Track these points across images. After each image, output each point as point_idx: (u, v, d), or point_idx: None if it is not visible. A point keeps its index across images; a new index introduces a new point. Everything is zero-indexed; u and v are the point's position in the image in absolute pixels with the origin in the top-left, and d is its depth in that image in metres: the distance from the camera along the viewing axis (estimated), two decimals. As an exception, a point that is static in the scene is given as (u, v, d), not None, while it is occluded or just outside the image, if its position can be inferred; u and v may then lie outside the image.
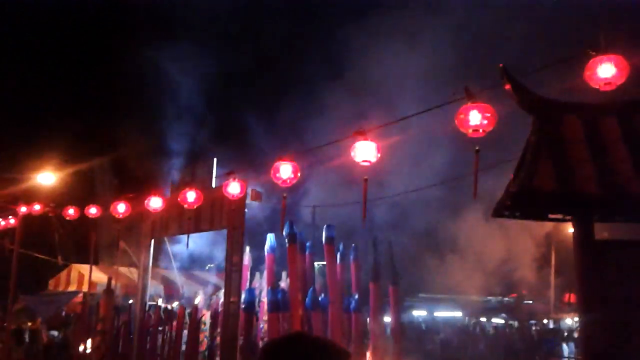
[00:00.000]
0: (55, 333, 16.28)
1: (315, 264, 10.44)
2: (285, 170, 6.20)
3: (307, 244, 9.67)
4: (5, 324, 10.70)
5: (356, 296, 8.94)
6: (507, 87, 4.30)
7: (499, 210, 4.16)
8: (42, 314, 16.57)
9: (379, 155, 5.54)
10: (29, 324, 15.97)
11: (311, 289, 8.93)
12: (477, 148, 4.86)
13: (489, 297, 23.12)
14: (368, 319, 9.34)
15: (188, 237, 9.50)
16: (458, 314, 25.26)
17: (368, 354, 8.76)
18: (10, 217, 9.65)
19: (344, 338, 8.50)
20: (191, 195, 7.52)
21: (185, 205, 7.62)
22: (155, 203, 7.71)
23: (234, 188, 7.41)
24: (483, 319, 22.85)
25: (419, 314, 26.89)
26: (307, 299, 8.78)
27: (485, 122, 4.84)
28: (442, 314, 26.06)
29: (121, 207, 7.89)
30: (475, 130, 4.87)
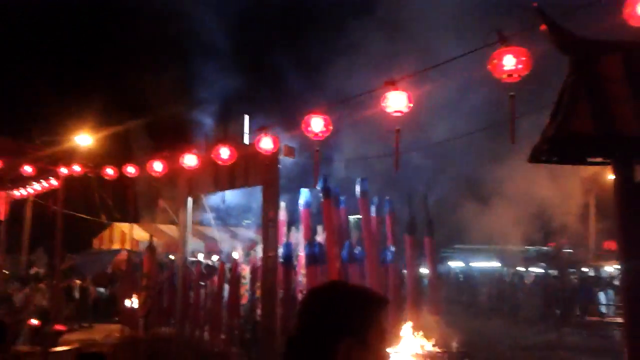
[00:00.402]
0: (102, 290, 16.94)
1: (350, 217, 10.49)
2: (316, 124, 6.14)
3: (341, 198, 9.69)
4: (55, 282, 11.14)
5: (392, 248, 8.97)
6: (543, 28, 4.12)
7: (536, 156, 4.03)
8: (88, 271, 17.25)
9: (411, 105, 5.43)
10: (77, 281, 16.62)
11: (347, 242, 9.00)
12: (511, 93, 4.72)
13: (528, 247, 22.91)
14: (404, 271, 9.41)
15: (224, 194, 9.61)
16: (495, 264, 25.19)
17: (405, 305, 8.85)
18: (51, 178, 9.92)
19: (381, 289, 8.59)
20: (224, 152, 7.55)
21: (220, 162, 7.67)
22: (189, 160, 7.78)
23: (266, 144, 7.41)
24: (521, 269, 22.73)
25: (455, 265, 26.94)
26: (343, 252, 8.86)
27: (520, 66, 4.68)
28: (479, 264, 26.04)
29: (157, 166, 7.99)
30: (510, 75, 4.72)
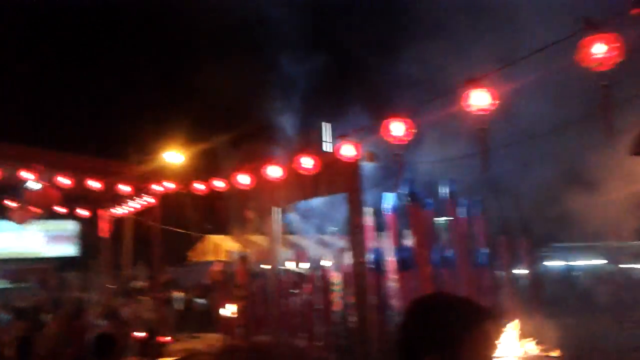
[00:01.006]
0: (200, 300, 17.56)
1: (437, 219, 10.26)
2: (397, 128, 6.04)
3: (428, 200, 9.50)
4: (155, 294, 11.69)
5: (485, 250, 8.65)
6: (635, 12, 3.81)
7: (636, 147, 3.73)
8: (185, 283, 17.98)
9: (496, 102, 5.21)
10: (175, 292, 17.35)
11: (436, 245, 8.81)
12: (604, 83, 4.40)
13: (633, 242, 21.43)
14: (502, 273, 9.06)
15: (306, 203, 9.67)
16: (598, 262, 23.76)
17: (503, 308, 8.51)
18: (147, 196, 10.45)
19: (475, 293, 8.32)
20: (307, 162, 7.61)
21: (303, 172, 7.74)
22: (273, 172, 7.91)
23: (347, 151, 7.39)
24: (628, 266, 21.27)
25: (554, 264, 25.66)
26: (434, 256, 8.66)
27: (613, 53, 4.36)
28: (581, 262, 24.68)
29: (243, 179, 8.19)
30: (602, 64, 4.40)
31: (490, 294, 8.39)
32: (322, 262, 13.06)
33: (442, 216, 10.15)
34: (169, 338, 8.20)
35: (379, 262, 9.27)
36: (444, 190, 8.95)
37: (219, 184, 8.49)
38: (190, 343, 14.12)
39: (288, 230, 17.94)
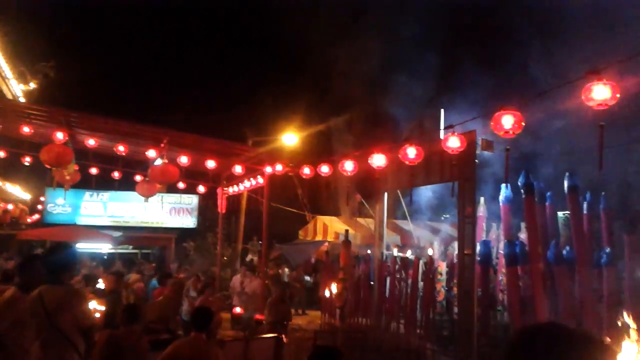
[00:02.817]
0: (307, 278, 18.01)
1: (560, 214, 9.67)
2: (507, 121, 5.74)
3: (547, 194, 8.98)
4: (263, 270, 12.13)
5: (608, 249, 8.02)
6: None
7: None
8: (295, 260, 18.45)
9: (618, 96, 4.75)
10: (286, 270, 17.91)
11: (553, 241, 8.31)
12: None
13: None
14: (622, 275, 8.36)
15: (411, 192, 9.53)
16: None
17: (625, 314, 7.86)
18: (259, 176, 10.82)
19: (594, 294, 7.77)
20: (411, 152, 7.45)
21: (407, 162, 7.60)
22: (378, 160, 7.83)
23: (453, 142, 7.14)
24: None
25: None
26: (549, 252, 8.19)
27: None
28: None
29: (348, 165, 8.18)
30: None
31: (611, 298, 7.77)
32: (429, 250, 12.86)
33: (562, 211, 9.57)
34: (261, 316, 8.42)
35: (487, 255, 8.94)
36: (566, 184, 8.37)
37: (324, 169, 8.55)
38: (293, 319, 14.59)
39: (397, 214, 17.85)
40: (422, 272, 10.43)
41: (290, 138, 19.55)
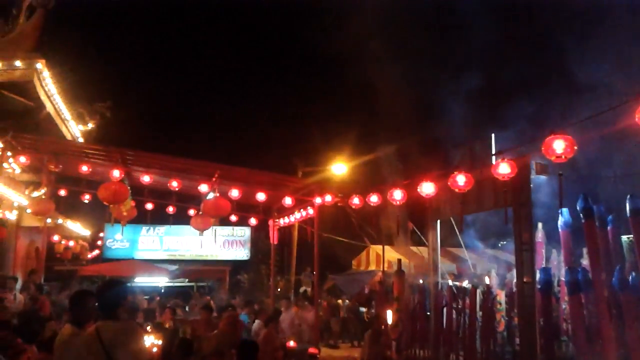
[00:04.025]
0: (362, 309, 17.76)
1: (625, 237, 9.23)
2: (558, 146, 5.59)
3: (609, 217, 8.60)
4: (319, 300, 12.05)
5: (677, 275, 7.57)
6: None
7: None
8: (348, 291, 18.27)
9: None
10: (340, 301, 17.75)
11: (618, 267, 7.91)
12: None
13: None
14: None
15: (462, 219, 9.32)
16: None
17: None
18: (309, 207, 10.85)
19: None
20: (461, 179, 7.31)
21: (456, 190, 7.45)
22: (427, 189, 7.72)
23: (504, 169, 6.97)
24: None
25: None
26: (613, 279, 7.79)
27: None
28: None
29: (397, 194, 8.10)
30: None
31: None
32: (486, 278, 12.49)
33: (626, 235, 9.13)
34: (316, 350, 8.32)
35: (548, 283, 8.58)
36: (628, 207, 7.99)
37: (373, 199, 8.50)
38: (349, 350, 14.36)
39: (452, 242, 17.49)
40: (480, 302, 10.11)
41: (339, 168, 19.60)
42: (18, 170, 11.02)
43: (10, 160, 9.81)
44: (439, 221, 11.38)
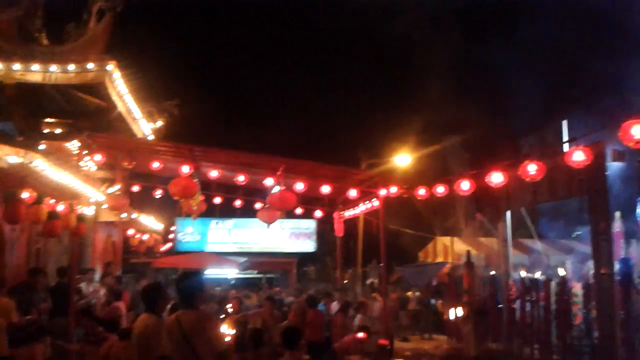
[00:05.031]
0: (434, 301, 17.52)
1: None
2: (637, 131, 5.27)
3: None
4: (386, 292, 11.97)
5: None
6: None
7: None
8: (415, 283, 18.05)
9: None
10: (409, 293, 17.57)
11: None
12: None
13: None
14: None
15: (534, 209, 8.98)
16: None
17: None
18: (374, 199, 10.78)
19: None
20: (532, 168, 7.02)
21: (527, 179, 7.17)
22: (496, 178, 7.46)
23: (578, 156, 6.63)
24: None
25: None
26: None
27: None
28: None
29: (465, 185, 7.88)
30: None
31: None
32: (561, 270, 12.02)
33: None
34: (386, 342, 8.24)
35: (627, 274, 8.18)
36: None
37: (439, 189, 8.31)
38: (419, 343, 14.20)
39: (523, 233, 16.95)
40: (555, 294, 9.75)
41: (403, 159, 19.35)
42: (94, 168, 11.53)
43: (87, 158, 10.28)
44: (509, 211, 11.07)
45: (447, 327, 12.16)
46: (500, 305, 10.86)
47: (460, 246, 18.12)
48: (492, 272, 11.89)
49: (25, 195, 8.30)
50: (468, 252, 12.19)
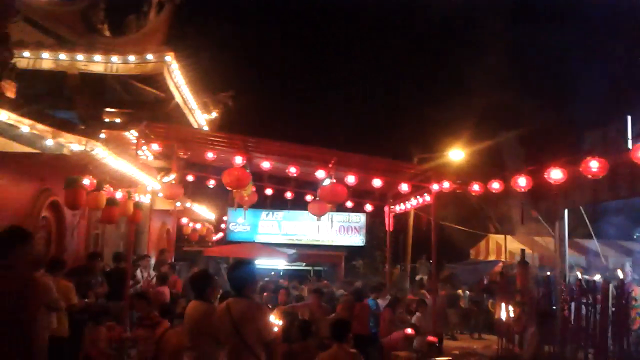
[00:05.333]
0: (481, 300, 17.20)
1: None
2: None
3: None
4: (436, 289, 11.80)
5: None
6: None
7: None
8: (466, 281, 17.77)
9: None
10: (460, 291, 17.30)
11: None
12: None
13: None
14: None
15: (594, 208, 8.63)
16: None
17: None
18: (425, 194, 10.62)
19: None
20: (594, 164, 6.73)
21: (589, 176, 6.88)
22: (555, 175, 7.20)
23: (644, 153, 6.30)
24: None
25: None
26: None
27: None
28: None
29: (522, 181, 7.65)
30: None
31: None
32: (619, 272, 11.57)
33: None
34: (435, 339, 8.13)
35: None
36: None
37: (495, 185, 8.09)
38: (468, 342, 13.98)
39: (580, 232, 16.39)
40: (613, 297, 9.39)
41: (457, 154, 19.01)
42: (151, 157, 11.84)
43: (144, 147, 10.56)
44: (566, 210, 10.72)
45: (498, 327, 11.89)
46: (555, 307, 10.55)
47: (513, 245, 17.70)
48: (548, 273, 11.55)
49: (86, 182, 8.59)
50: (522, 251, 11.89)
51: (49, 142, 7.30)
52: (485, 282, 18.02)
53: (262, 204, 13.32)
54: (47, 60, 9.93)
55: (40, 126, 7.20)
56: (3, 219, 7.63)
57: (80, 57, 9.98)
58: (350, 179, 9.56)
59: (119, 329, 7.97)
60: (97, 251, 11.08)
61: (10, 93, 7.75)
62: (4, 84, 7.63)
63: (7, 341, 4.12)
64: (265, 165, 10.16)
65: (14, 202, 8.08)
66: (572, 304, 10.03)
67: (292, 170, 10.05)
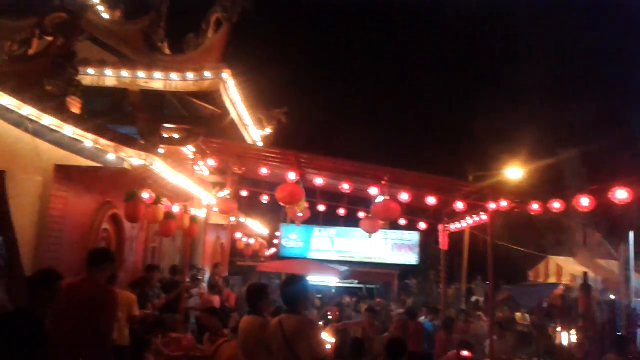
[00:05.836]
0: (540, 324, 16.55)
1: None
2: None
3: None
4: (493, 312, 11.44)
5: None
6: None
7: None
8: (525, 304, 17.14)
9: None
10: (518, 314, 16.69)
11: None
12: None
13: None
14: None
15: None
16: None
17: None
18: (482, 213, 10.35)
19: None
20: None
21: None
22: (620, 195, 6.86)
23: None
24: None
25: None
26: None
27: None
28: None
29: (584, 201, 7.32)
30: None
31: None
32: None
33: None
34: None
35: None
36: None
37: (555, 205, 7.78)
38: (526, 368, 13.43)
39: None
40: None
41: (514, 172, 18.52)
42: (207, 172, 12.05)
43: (201, 162, 10.76)
44: (632, 232, 10.26)
45: (559, 353, 11.41)
46: (620, 334, 10.04)
47: (575, 267, 17.00)
48: (612, 297, 11.04)
49: (145, 195, 8.81)
50: (585, 274, 11.41)
51: (111, 157, 7.53)
52: (545, 305, 17.34)
53: (315, 220, 13.35)
54: (109, 77, 10.29)
55: (103, 141, 7.44)
56: (67, 230, 7.91)
57: (141, 74, 10.30)
58: (404, 196, 9.44)
59: (192, 340, 8.10)
60: (154, 263, 11.32)
61: (75, 109, 8.06)
62: (69, 100, 7.94)
63: (82, 343, 4.54)
64: (318, 181, 10.17)
65: (78, 214, 8.36)
66: (639, 331, 9.54)
67: (345, 187, 10.02)
